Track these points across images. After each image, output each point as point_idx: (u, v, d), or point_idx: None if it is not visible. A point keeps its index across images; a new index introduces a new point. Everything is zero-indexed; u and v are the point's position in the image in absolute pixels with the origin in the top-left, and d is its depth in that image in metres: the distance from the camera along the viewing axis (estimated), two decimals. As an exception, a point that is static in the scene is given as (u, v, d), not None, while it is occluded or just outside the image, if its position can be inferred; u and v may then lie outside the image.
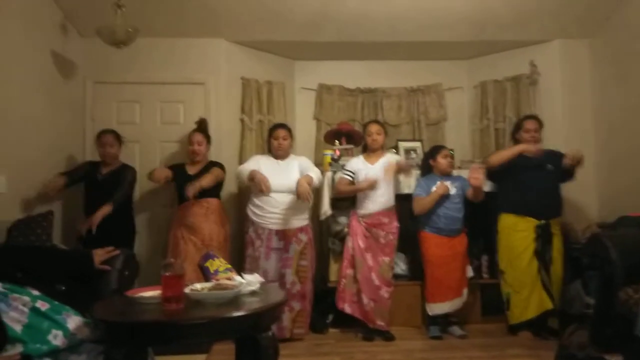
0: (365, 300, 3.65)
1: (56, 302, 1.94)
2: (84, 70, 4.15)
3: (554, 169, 3.61)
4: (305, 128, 4.73)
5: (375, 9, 3.97)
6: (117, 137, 3.76)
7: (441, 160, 3.78)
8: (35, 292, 1.93)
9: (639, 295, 2.46)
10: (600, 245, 2.70)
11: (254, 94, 4.46)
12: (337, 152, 4.12)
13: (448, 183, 3.72)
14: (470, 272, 3.86)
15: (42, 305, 1.88)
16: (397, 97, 4.84)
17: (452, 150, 4.02)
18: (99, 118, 4.17)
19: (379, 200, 3.71)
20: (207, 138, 3.85)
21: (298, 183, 3.47)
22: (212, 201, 3.70)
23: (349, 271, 3.73)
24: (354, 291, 3.71)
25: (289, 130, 3.82)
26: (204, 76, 4.27)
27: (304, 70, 4.84)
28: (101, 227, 3.40)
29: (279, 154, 3.74)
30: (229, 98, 4.37)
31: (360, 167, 3.80)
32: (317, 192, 3.83)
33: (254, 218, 3.65)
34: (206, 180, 3.55)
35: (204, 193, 3.61)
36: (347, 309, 3.70)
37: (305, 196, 3.41)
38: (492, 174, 3.75)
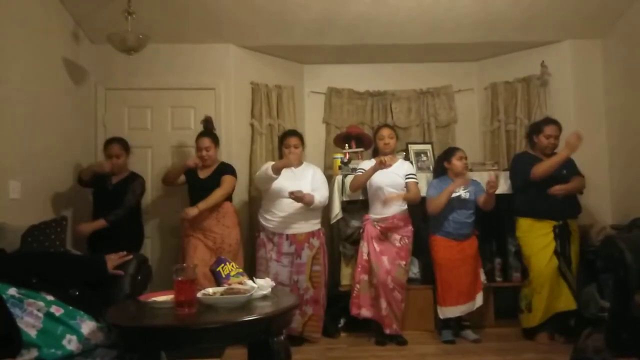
0: (383, 304, 3.61)
1: (70, 307, 1.95)
2: (95, 76, 4.19)
3: (568, 173, 3.58)
4: (314, 132, 4.73)
5: (382, 11, 3.95)
6: (124, 146, 3.72)
7: (456, 162, 3.73)
8: (50, 297, 1.95)
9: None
10: (614, 247, 2.66)
11: (263, 99, 4.47)
12: (347, 156, 4.12)
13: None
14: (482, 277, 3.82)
15: (57, 311, 1.90)
16: (406, 100, 4.83)
17: (463, 152, 4.00)
18: (111, 124, 4.20)
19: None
20: (215, 140, 3.81)
21: (301, 191, 3.47)
22: (224, 204, 3.69)
23: (363, 277, 3.70)
24: (371, 296, 3.67)
25: (301, 137, 3.79)
26: (214, 81, 4.29)
27: (313, 74, 4.85)
28: (109, 232, 3.42)
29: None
30: (239, 103, 4.39)
31: (371, 169, 3.78)
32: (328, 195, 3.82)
33: (265, 223, 3.66)
34: (209, 203, 3.53)
35: None
36: (365, 313, 3.65)
37: (293, 194, 3.40)
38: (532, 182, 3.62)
